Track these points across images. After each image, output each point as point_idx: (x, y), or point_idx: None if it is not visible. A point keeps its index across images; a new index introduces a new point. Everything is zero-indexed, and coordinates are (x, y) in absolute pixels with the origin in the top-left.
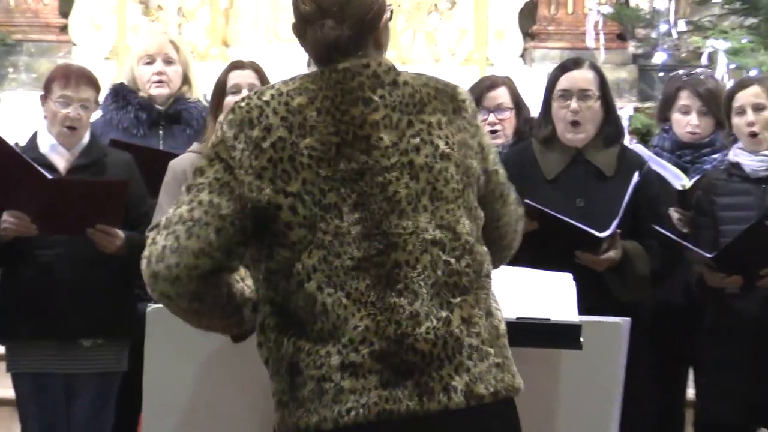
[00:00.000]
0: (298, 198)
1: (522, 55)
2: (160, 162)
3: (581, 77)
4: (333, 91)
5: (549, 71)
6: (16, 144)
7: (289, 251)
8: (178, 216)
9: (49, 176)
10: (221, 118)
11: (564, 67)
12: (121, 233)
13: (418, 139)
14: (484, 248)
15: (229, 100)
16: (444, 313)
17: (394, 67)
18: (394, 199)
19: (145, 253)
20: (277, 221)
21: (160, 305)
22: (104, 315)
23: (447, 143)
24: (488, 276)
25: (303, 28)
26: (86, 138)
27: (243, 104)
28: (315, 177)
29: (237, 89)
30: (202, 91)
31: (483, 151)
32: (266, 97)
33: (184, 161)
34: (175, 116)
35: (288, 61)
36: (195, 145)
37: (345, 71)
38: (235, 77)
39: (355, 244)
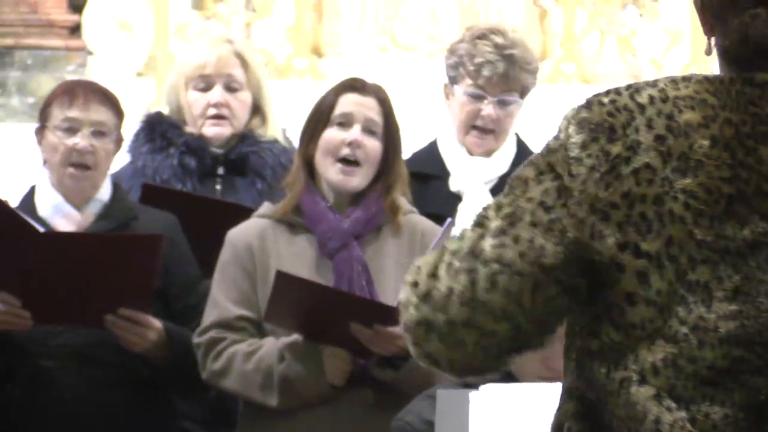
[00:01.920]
0: (654, 262)
1: None
2: (219, 222)
3: None
4: (741, 114)
5: None
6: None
7: (622, 334)
8: (477, 247)
9: (42, 229)
10: (569, 112)
11: None
12: (156, 322)
13: None
14: None
15: (333, 135)
16: None
17: None
18: None
19: (412, 293)
20: (614, 288)
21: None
22: None
23: None
24: None
25: (724, 11)
26: (106, 190)
27: (607, 100)
28: (686, 238)
29: (347, 122)
30: (280, 125)
31: None
32: (642, 99)
33: (249, 232)
34: (239, 163)
35: (411, 77)
36: (266, 206)
37: (765, 88)
38: (349, 104)
39: (721, 349)
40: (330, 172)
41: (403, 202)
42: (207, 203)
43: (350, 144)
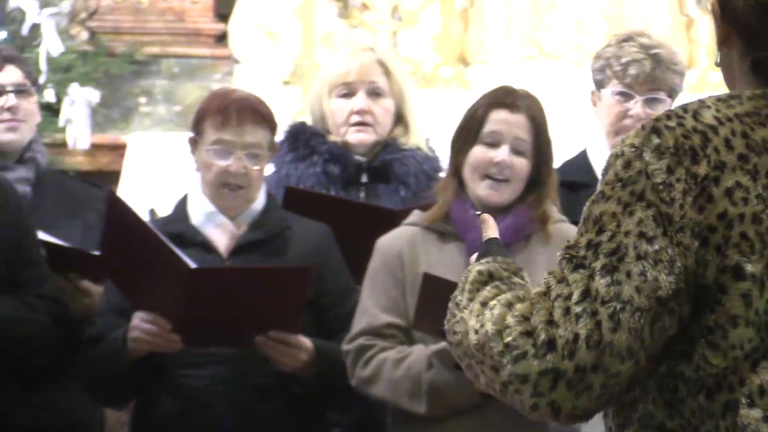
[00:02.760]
0: (757, 283)
1: None
2: (362, 225)
3: None
4: None
5: None
6: (152, 212)
7: (721, 357)
8: (591, 288)
9: (193, 265)
10: (629, 139)
11: None
12: (307, 342)
13: None
14: None
15: (482, 153)
16: None
17: None
18: None
19: (527, 342)
20: (717, 310)
21: None
22: None
23: None
24: None
25: (762, 23)
26: (260, 201)
27: (674, 124)
28: None
29: (495, 142)
30: (423, 134)
31: None
32: (708, 119)
33: (399, 239)
34: (382, 171)
35: (557, 86)
36: (416, 214)
37: None
38: (498, 122)
39: None
40: (478, 187)
41: (554, 211)
42: (350, 206)
43: (498, 164)
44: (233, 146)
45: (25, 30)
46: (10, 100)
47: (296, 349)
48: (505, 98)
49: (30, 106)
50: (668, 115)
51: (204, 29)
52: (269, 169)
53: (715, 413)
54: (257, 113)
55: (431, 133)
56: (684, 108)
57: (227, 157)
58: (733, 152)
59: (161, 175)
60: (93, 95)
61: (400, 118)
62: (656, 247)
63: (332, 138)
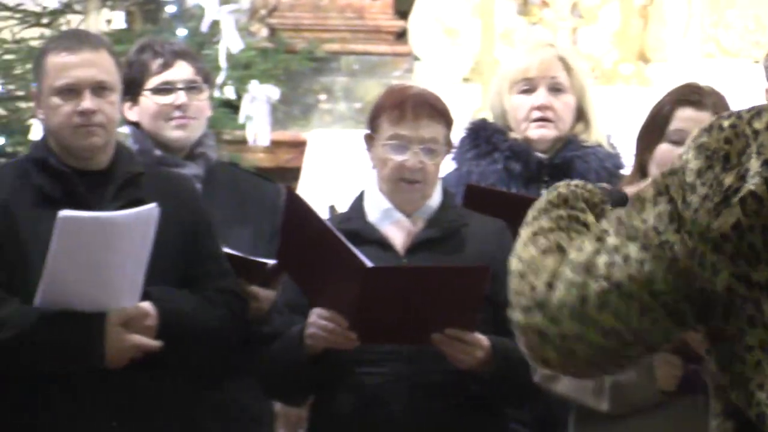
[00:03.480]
0: (765, 292)
1: None
2: None
3: None
4: None
5: None
6: (332, 209)
7: (740, 364)
8: (592, 262)
9: (369, 264)
10: (695, 132)
11: None
12: (483, 339)
13: None
14: None
15: (669, 151)
16: None
17: None
18: None
19: (530, 295)
20: (736, 313)
21: None
22: None
23: None
24: None
25: None
26: (436, 198)
27: (727, 124)
28: None
29: (681, 140)
30: (604, 131)
31: None
32: (760, 124)
33: None
34: (564, 168)
35: (736, 83)
36: None
37: None
38: (685, 120)
39: None
40: None
41: None
42: (531, 203)
43: None
44: (409, 141)
45: (204, 27)
46: (181, 97)
47: (473, 346)
48: (690, 95)
49: (201, 102)
50: (731, 114)
51: (384, 26)
52: (450, 166)
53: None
54: (433, 108)
55: (611, 130)
56: (750, 109)
57: (403, 152)
58: (760, 158)
59: (341, 172)
60: (273, 92)
61: (580, 115)
62: (662, 239)
63: (513, 135)
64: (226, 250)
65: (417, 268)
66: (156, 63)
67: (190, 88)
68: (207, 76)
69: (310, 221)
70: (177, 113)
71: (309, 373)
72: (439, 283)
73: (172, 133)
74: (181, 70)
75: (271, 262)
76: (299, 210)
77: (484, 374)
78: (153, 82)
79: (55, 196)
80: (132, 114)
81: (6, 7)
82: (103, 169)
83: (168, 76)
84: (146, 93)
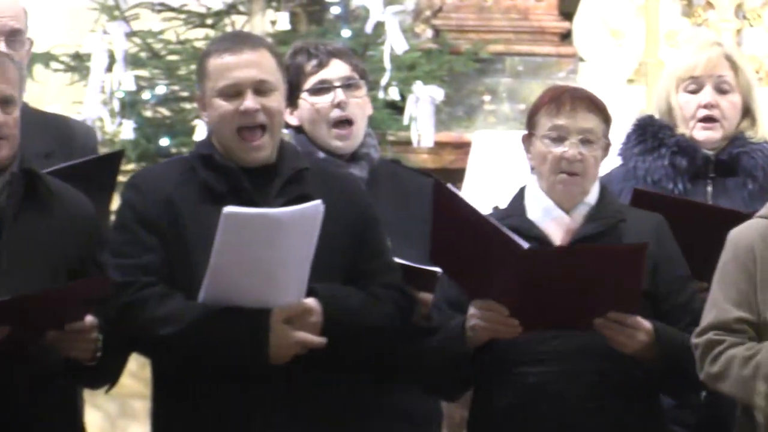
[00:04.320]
0: None
1: None
2: (711, 228)
3: None
4: None
5: None
6: (496, 209)
7: None
8: None
9: (526, 245)
10: None
11: None
12: (645, 323)
13: None
14: None
15: None
16: None
17: None
18: None
19: None
20: None
21: None
22: None
23: None
24: None
25: None
26: (594, 194)
27: None
28: None
29: None
30: None
31: None
32: None
33: (751, 232)
34: (730, 164)
35: None
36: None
37: None
38: None
39: None
40: None
41: None
42: (699, 208)
43: None
44: (567, 132)
45: (368, 28)
46: (338, 95)
47: (635, 329)
48: None
49: (359, 99)
50: None
51: (548, 27)
52: (616, 161)
53: None
54: (591, 100)
55: None
56: None
57: (562, 143)
58: None
59: (505, 173)
60: (437, 93)
61: (746, 112)
62: None
63: (681, 131)
64: (397, 260)
65: (574, 249)
66: (311, 64)
67: (347, 85)
68: (363, 73)
69: (460, 210)
70: (336, 112)
71: (470, 367)
72: (596, 264)
73: (333, 143)
74: (337, 69)
75: (440, 270)
76: (448, 200)
77: (648, 361)
78: (309, 82)
79: (220, 192)
80: (292, 119)
81: (170, 8)
82: (268, 165)
83: (324, 75)
84: (304, 95)
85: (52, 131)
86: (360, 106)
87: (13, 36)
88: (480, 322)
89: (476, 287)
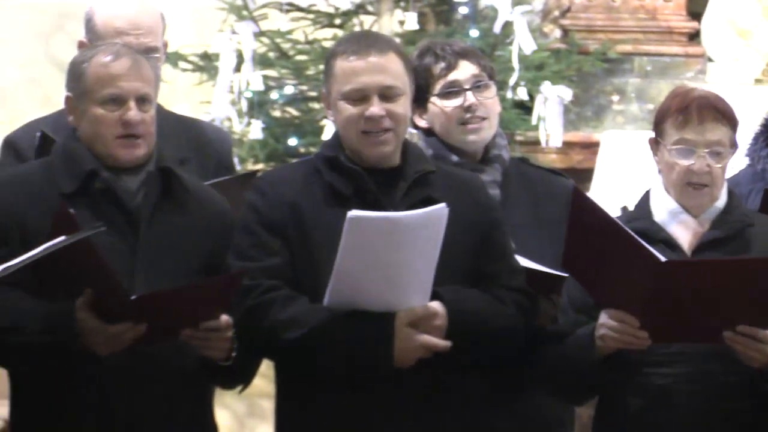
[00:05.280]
0: None
1: None
2: None
3: None
4: None
5: None
6: (624, 209)
7: None
8: None
9: (663, 258)
10: None
11: None
12: None
13: None
14: None
15: None
16: None
17: None
18: None
19: None
20: None
21: None
22: None
23: None
24: None
25: None
26: (722, 199)
27: None
28: None
29: None
30: None
31: None
32: None
33: None
34: None
35: None
36: None
37: None
38: None
39: None
40: None
41: None
42: None
43: None
44: (695, 145)
45: (497, 28)
46: (469, 98)
47: (766, 344)
48: None
49: (489, 100)
50: None
51: (676, 27)
52: (743, 162)
53: None
54: (718, 111)
55: None
56: None
57: (690, 157)
58: None
59: (634, 173)
60: (565, 93)
61: None
62: None
63: None
64: (524, 263)
65: (714, 261)
66: (439, 66)
67: (477, 86)
68: (492, 72)
69: (597, 219)
70: (467, 115)
71: (598, 374)
72: (731, 277)
73: (467, 137)
74: (465, 70)
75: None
76: (586, 209)
77: None
78: (438, 86)
79: (345, 194)
80: (422, 121)
81: (299, 8)
82: (393, 167)
83: (453, 77)
84: (433, 99)
85: (188, 137)
86: (490, 106)
87: (149, 53)
88: (610, 332)
89: (607, 296)
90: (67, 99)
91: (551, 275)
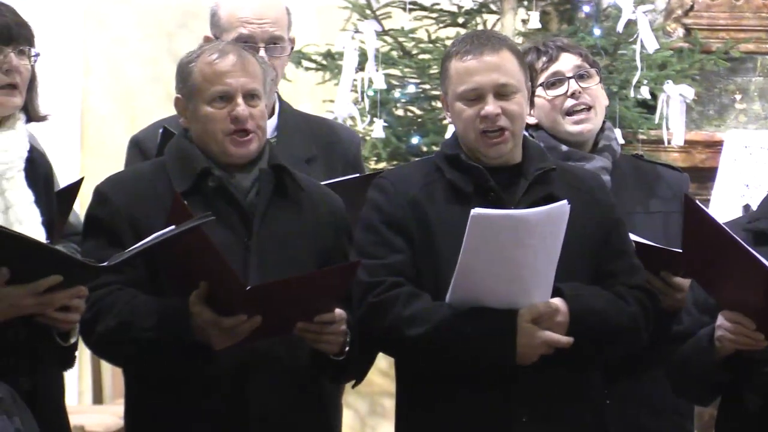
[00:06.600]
0: None
1: None
2: None
3: None
4: None
5: None
6: (747, 208)
7: None
8: None
9: None
10: None
11: None
12: None
13: None
14: None
15: None
16: None
17: None
18: None
19: None
20: None
21: None
22: None
23: None
24: None
25: None
26: None
27: None
28: None
29: None
30: None
31: None
32: None
33: None
34: None
35: None
36: None
37: None
38: None
39: None
40: None
41: None
42: None
43: None
44: None
45: (619, 27)
46: (572, 85)
47: None
48: None
49: (593, 89)
50: None
51: None
52: None
53: None
54: None
55: None
56: None
57: None
58: None
59: (757, 172)
60: (688, 92)
61: None
62: None
63: None
64: (635, 238)
65: None
66: (541, 60)
67: (580, 75)
68: (594, 63)
69: (710, 230)
70: (572, 103)
71: (718, 375)
72: None
73: (573, 128)
74: (567, 61)
75: (678, 251)
76: (698, 219)
77: None
78: (542, 77)
79: (467, 192)
80: (530, 118)
81: (422, 7)
82: (514, 165)
83: (555, 68)
84: (538, 90)
85: (316, 136)
86: (594, 95)
87: (274, 42)
88: (727, 333)
89: (725, 298)
90: (177, 100)
91: (662, 250)
